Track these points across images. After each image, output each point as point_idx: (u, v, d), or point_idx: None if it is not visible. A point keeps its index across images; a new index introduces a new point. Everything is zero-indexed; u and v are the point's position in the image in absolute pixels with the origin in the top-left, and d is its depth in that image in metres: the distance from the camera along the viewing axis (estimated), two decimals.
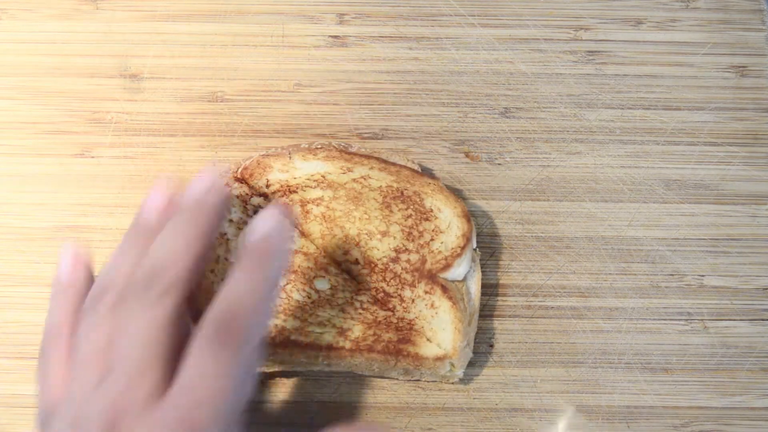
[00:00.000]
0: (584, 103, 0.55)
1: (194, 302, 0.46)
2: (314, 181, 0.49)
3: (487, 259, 0.52)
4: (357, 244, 0.48)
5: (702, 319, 0.51)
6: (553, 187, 0.53)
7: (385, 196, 0.49)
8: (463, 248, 0.48)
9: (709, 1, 0.57)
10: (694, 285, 0.52)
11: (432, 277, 0.47)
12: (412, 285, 0.47)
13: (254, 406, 0.49)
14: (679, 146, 0.54)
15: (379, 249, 0.48)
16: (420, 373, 0.48)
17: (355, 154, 0.50)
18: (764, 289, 0.52)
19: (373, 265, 0.47)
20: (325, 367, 0.47)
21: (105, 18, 0.55)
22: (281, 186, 0.48)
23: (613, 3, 0.57)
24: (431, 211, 0.49)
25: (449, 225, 0.48)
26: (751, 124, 0.55)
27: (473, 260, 0.49)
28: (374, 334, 0.46)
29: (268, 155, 0.49)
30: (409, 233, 0.48)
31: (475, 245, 0.49)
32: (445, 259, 0.48)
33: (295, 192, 0.48)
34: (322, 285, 0.47)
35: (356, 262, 0.47)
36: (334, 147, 0.50)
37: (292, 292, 0.46)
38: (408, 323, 0.47)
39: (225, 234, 0.47)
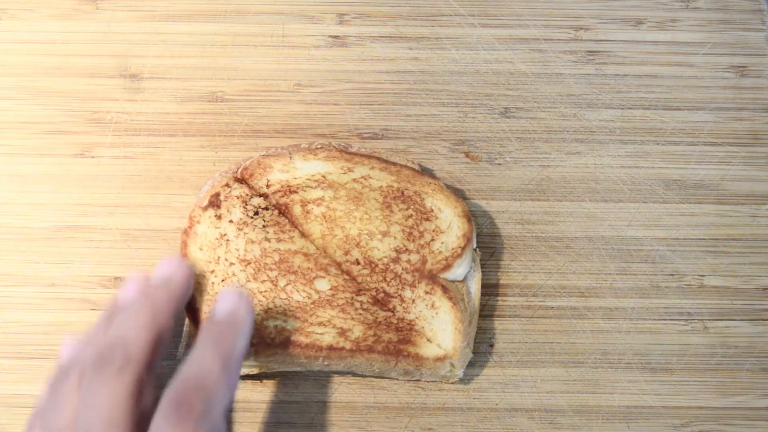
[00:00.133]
0: (584, 103, 0.55)
1: (193, 303, 0.46)
2: (315, 181, 0.49)
3: (487, 259, 0.52)
4: (357, 245, 0.48)
5: (702, 319, 0.51)
6: (553, 187, 0.53)
7: (385, 196, 0.49)
8: (463, 248, 0.48)
9: (709, 1, 0.57)
10: (694, 285, 0.52)
11: (432, 278, 0.47)
12: (413, 285, 0.47)
13: (254, 406, 0.49)
14: (679, 146, 0.54)
15: (380, 249, 0.48)
16: (420, 373, 0.48)
17: (355, 154, 0.50)
18: (764, 289, 0.52)
19: (373, 265, 0.47)
20: (325, 367, 0.47)
21: (105, 18, 0.55)
22: (281, 186, 0.48)
23: (613, 3, 0.57)
24: (432, 211, 0.49)
25: (450, 225, 0.48)
26: (751, 124, 0.55)
27: (473, 260, 0.49)
28: (374, 335, 0.46)
29: (268, 155, 0.49)
30: (410, 233, 0.48)
31: (475, 245, 0.49)
32: (446, 259, 0.48)
33: (295, 192, 0.48)
34: (323, 285, 0.47)
35: (356, 262, 0.47)
36: (335, 147, 0.50)
37: (293, 292, 0.46)
38: (408, 324, 0.47)
39: (225, 234, 0.47)
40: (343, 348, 0.46)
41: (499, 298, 0.51)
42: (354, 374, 0.50)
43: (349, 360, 0.46)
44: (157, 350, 0.39)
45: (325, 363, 0.47)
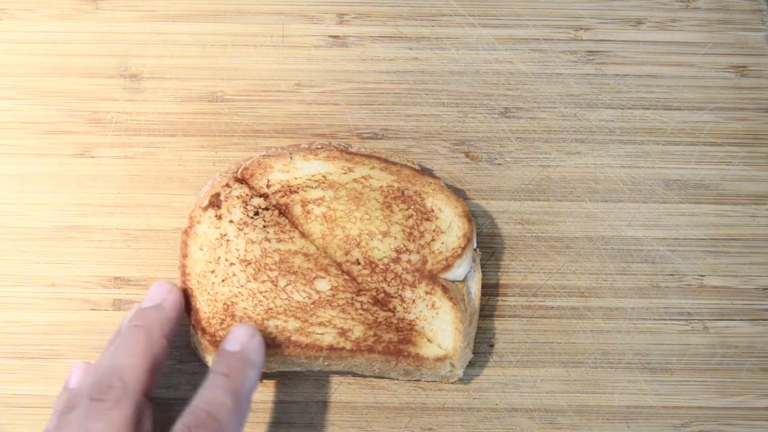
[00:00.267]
0: (584, 103, 0.55)
1: (194, 303, 0.46)
2: (315, 181, 0.48)
3: (488, 259, 0.52)
4: (358, 245, 0.48)
5: (702, 319, 0.51)
6: (553, 187, 0.53)
7: (386, 196, 0.49)
8: (463, 248, 0.48)
9: (709, 1, 0.57)
10: (694, 285, 0.52)
11: (433, 278, 0.47)
12: (413, 285, 0.47)
13: (254, 406, 0.49)
14: (679, 146, 0.54)
15: (380, 249, 0.48)
16: (420, 373, 0.48)
17: (355, 154, 0.50)
18: (764, 289, 0.52)
19: (373, 265, 0.47)
20: (325, 368, 0.47)
21: (105, 18, 0.55)
22: (282, 186, 0.48)
23: (613, 3, 0.57)
24: (432, 211, 0.49)
25: (450, 225, 0.48)
26: (751, 124, 0.55)
27: (474, 260, 0.49)
28: (375, 335, 0.46)
29: (268, 155, 0.49)
30: (410, 233, 0.48)
31: (475, 245, 0.49)
32: (446, 259, 0.48)
33: (295, 192, 0.48)
34: (323, 285, 0.47)
35: (357, 262, 0.47)
36: (335, 147, 0.50)
37: (293, 292, 0.46)
38: (408, 324, 0.47)
39: (225, 235, 0.47)
40: (343, 348, 0.46)
41: (499, 298, 0.51)
42: (354, 374, 0.50)
43: (350, 360, 0.46)
44: (153, 376, 0.40)
45: (326, 363, 0.47)
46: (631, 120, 0.54)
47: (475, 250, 0.49)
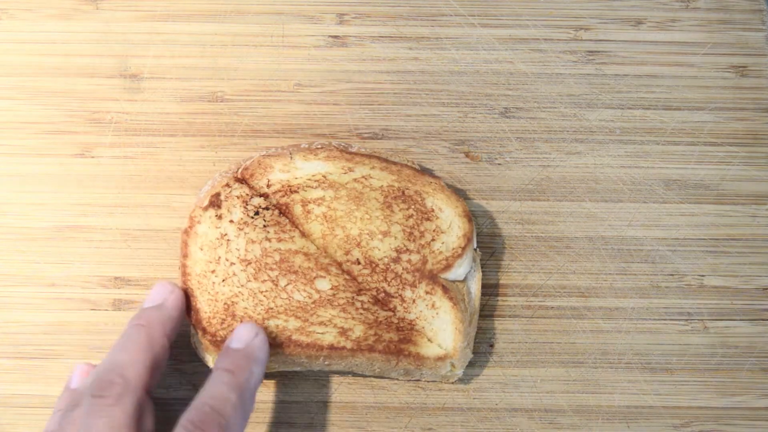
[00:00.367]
0: (584, 103, 0.55)
1: (194, 303, 0.46)
2: (315, 181, 0.48)
3: (488, 259, 0.52)
4: (358, 244, 0.48)
5: (702, 319, 0.51)
6: (553, 187, 0.53)
7: (386, 196, 0.49)
8: (464, 248, 0.48)
9: (709, 1, 0.57)
10: (694, 285, 0.52)
11: (433, 278, 0.47)
12: (413, 285, 0.47)
13: (254, 406, 0.49)
14: (679, 146, 0.54)
15: (380, 249, 0.48)
16: (420, 373, 0.48)
17: (356, 153, 0.50)
18: (764, 289, 0.52)
19: (374, 265, 0.47)
20: (325, 367, 0.47)
21: (105, 18, 0.55)
22: (282, 186, 0.48)
23: (613, 3, 0.57)
24: (432, 210, 0.49)
25: (450, 225, 0.48)
26: (751, 124, 0.55)
27: (474, 260, 0.49)
28: (375, 334, 0.46)
29: (268, 155, 0.49)
30: (410, 233, 0.48)
31: (475, 245, 0.49)
32: (446, 259, 0.48)
33: (296, 192, 0.48)
34: (323, 285, 0.47)
35: (357, 262, 0.47)
36: (335, 147, 0.50)
37: (293, 292, 0.46)
38: (409, 323, 0.47)
39: (226, 234, 0.47)
40: (343, 347, 0.46)
41: (499, 298, 0.51)
42: (354, 374, 0.50)
43: (350, 360, 0.46)
44: (153, 374, 0.40)
45: (326, 363, 0.47)
46: (631, 120, 0.54)
47: (475, 250, 0.49)
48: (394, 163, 0.50)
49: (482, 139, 0.54)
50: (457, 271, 0.48)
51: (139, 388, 0.39)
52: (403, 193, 0.49)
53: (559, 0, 0.57)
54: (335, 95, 0.55)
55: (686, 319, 0.51)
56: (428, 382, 0.50)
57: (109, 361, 0.40)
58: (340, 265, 0.47)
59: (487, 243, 0.52)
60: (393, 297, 0.47)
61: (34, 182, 0.52)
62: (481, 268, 0.50)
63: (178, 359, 0.50)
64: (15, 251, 0.51)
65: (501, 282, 0.52)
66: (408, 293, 0.47)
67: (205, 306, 0.46)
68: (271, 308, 0.46)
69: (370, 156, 0.50)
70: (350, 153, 0.50)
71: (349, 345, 0.46)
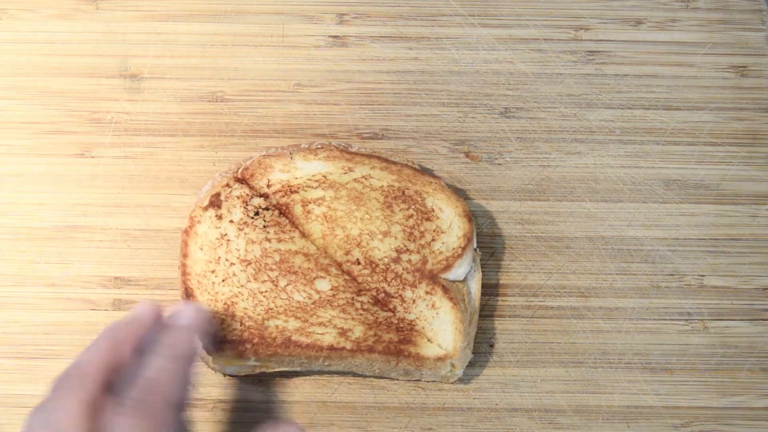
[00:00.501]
0: (584, 103, 0.55)
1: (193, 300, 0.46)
2: (315, 181, 0.48)
3: (488, 259, 0.52)
4: (358, 245, 0.48)
5: (702, 319, 0.51)
6: (553, 187, 0.53)
7: (386, 196, 0.49)
8: (464, 248, 0.48)
9: (709, 1, 0.57)
10: (694, 285, 0.52)
11: (433, 278, 0.47)
12: (413, 285, 0.47)
13: (254, 406, 0.49)
14: (679, 146, 0.54)
15: (381, 249, 0.48)
16: (420, 373, 0.48)
17: (356, 153, 0.50)
18: (764, 289, 0.52)
19: (374, 265, 0.47)
20: (325, 368, 0.47)
21: (105, 18, 0.55)
22: (282, 186, 0.48)
23: (613, 3, 0.57)
24: (432, 210, 0.49)
25: (450, 225, 0.48)
26: (751, 124, 0.55)
27: (474, 260, 0.49)
28: (375, 335, 0.46)
29: (268, 155, 0.49)
30: (411, 233, 0.48)
31: (475, 245, 0.49)
32: (446, 259, 0.48)
33: (296, 192, 0.48)
34: (323, 285, 0.47)
35: (357, 262, 0.47)
36: (335, 147, 0.50)
37: (293, 292, 0.46)
38: (409, 324, 0.47)
39: (226, 234, 0.47)
40: (343, 348, 0.46)
41: (499, 298, 0.51)
42: (354, 374, 0.50)
43: (350, 360, 0.46)
44: (112, 373, 0.40)
45: (326, 363, 0.47)
46: (631, 120, 0.54)
47: (475, 250, 0.49)
48: (395, 163, 0.50)
49: (482, 139, 0.54)
50: (457, 271, 0.48)
51: (94, 382, 0.39)
52: (404, 193, 0.49)
53: (559, 0, 0.57)
54: (335, 95, 0.55)
55: (686, 319, 0.51)
56: (428, 382, 0.50)
57: (75, 359, 0.41)
58: (340, 265, 0.47)
59: (487, 243, 0.52)
60: (393, 297, 0.47)
61: (34, 182, 0.52)
62: (481, 268, 0.50)
63: None
64: (15, 251, 0.51)
65: (501, 282, 0.52)
66: (408, 293, 0.47)
67: (204, 306, 0.46)
68: (271, 308, 0.46)
69: (370, 156, 0.50)
70: (350, 153, 0.50)
71: (348, 345, 0.46)
